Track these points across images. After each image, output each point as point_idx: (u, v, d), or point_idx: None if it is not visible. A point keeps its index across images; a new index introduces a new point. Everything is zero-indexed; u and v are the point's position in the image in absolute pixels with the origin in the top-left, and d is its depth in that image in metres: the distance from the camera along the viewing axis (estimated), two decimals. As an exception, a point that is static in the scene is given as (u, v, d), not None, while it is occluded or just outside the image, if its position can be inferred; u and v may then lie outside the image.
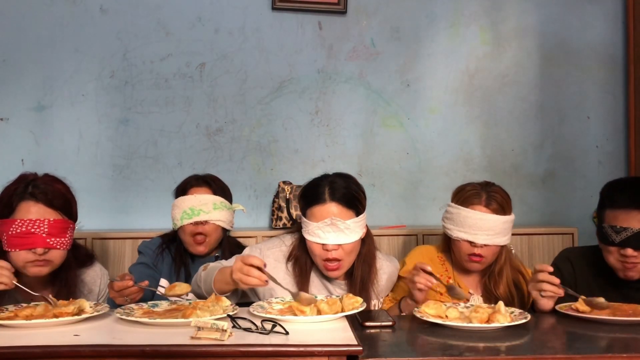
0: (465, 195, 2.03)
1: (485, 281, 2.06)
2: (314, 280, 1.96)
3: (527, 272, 2.11)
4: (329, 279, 1.97)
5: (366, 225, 1.98)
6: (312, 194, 1.92)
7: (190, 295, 1.92)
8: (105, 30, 3.00)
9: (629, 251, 1.85)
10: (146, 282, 1.81)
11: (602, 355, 1.40)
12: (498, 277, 2.03)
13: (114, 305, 1.88)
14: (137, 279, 2.09)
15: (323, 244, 1.86)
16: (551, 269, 1.85)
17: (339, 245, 1.86)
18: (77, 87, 2.98)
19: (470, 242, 1.97)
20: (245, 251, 2.02)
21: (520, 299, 2.04)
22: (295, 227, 2.01)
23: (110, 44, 3.01)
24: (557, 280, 1.82)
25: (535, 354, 1.39)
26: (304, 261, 1.94)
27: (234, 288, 1.79)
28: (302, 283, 1.92)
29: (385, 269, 2.05)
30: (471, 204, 1.99)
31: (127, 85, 3.01)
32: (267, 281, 1.68)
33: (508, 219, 1.99)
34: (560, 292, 1.82)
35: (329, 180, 1.93)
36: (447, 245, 2.10)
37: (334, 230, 1.85)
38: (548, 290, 1.82)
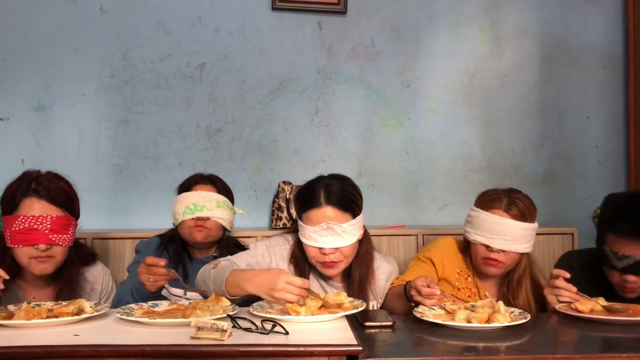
0: (486, 199, 2.01)
1: (504, 290, 2.03)
2: (312, 281, 1.95)
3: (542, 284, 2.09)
4: (327, 281, 1.97)
5: (364, 226, 1.97)
6: (307, 198, 1.90)
7: (190, 294, 1.92)
8: (105, 30, 3.00)
9: (631, 277, 1.86)
10: (175, 274, 1.81)
11: (602, 355, 1.40)
12: (517, 286, 2.01)
13: (126, 301, 1.88)
14: (135, 277, 2.09)
15: (320, 248, 1.85)
16: (568, 275, 1.84)
17: (336, 248, 1.85)
18: (77, 87, 2.98)
19: (487, 246, 1.95)
20: (251, 247, 2.01)
21: (539, 311, 1.99)
22: (295, 226, 2.00)
23: (110, 44, 3.01)
24: (574, 289, 1.81)
25: (535, 354, 1.39)
26: (302, 264, 1.94)
27: (246, 294, 1.74)
28: None
29: (383, 269, 2.04)
30: (491, 208, 1.97)
31: (127, 85, 3.01)
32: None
33: (529, 226, 1.96)
34: (578, 298, 1.81)
35: (324, 183, 1.91)
36: (467, 249, 2.08)
37: (330, 234, 1.83)
38: (565, 296, 1.81)
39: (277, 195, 2.96)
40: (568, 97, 3.29)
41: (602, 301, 1.80)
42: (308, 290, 1.67)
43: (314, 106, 3.14)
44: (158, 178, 3.02)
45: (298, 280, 1.61)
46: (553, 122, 3.29)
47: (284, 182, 2.96)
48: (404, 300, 1.84)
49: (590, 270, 2.02)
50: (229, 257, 1.95)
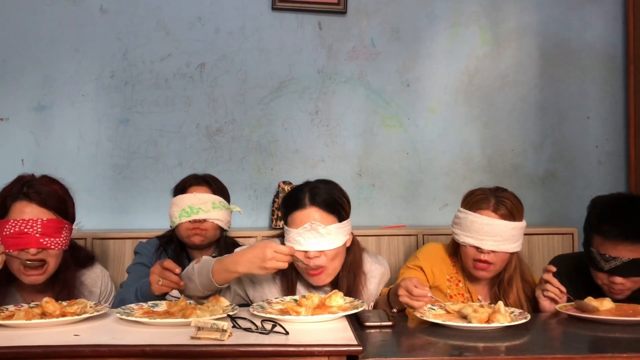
0: (473, 200, 1.99)
1: (495, 290, 2.02)
2: (300, 290, 1.92)
3: (534, 281, 2.08)
4: (315, 288, 1.93)
5: (352, 234, 1.94)
6: (292, 200, 1.88)
7: (175, 293, 1.91)
8: (105, 30, 3.00)
9: (618, 279, 1.86)
10: (183, 286, 1.80)
11: (602, 355, 1.40)
12: (508, 286, 1.99)
13: (119, 303, 1.88)
14: (136, 278, 2.09)
15: (305, 252, 1.81)
16: (554, 269, 1.85)
17: (321, 252, 1.81)
18: (77, 87, 2.98)
19: (477, 248, 1.93)
20: (237, 252, 2.00)
21: (530, 309, 1.97)
22: (282, 232, 1.99)
23: (110, 44, 3.01)
24: (560, 286, 1.82)
25: (535, 354, 1.39)
26: (289, 272, 1.89)
27: (237, 276, 1.78)
28: (288, 295, 1.89)
29: (375, 272, 2.00)
30: (479, 209, 1.95)
31: (127, 85, 3.01)
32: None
33: (517, 225, 1.95)
34: (562, 297, 1.83)
35: (310, 186, 1.90)
36: (456, 250, 2.05)
37: (314, 236, 1.80)
38: (550, 291, 1.82)
39: (277, 195, 2.96)
40: (568, 97, 3.29)
41: (608, 302, 1.80)
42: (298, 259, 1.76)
43: (314, 106, 3.14)
44: (158, 178, 3.02)
45: (285, 249, 1.71)
46: (553, 122, 3.29)
47: (284, 182, 2.96)
48: (387, 308, 1.83)
49: (579, 274, 2.02)
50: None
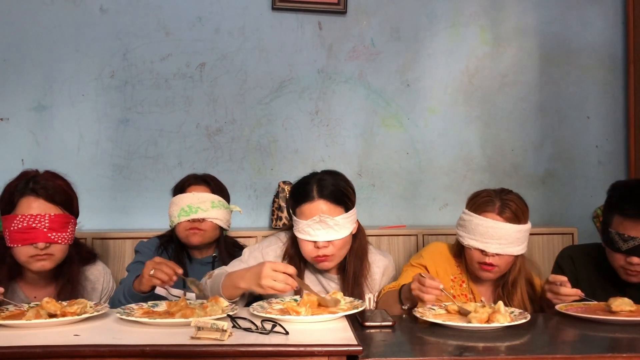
0: (478, 202, 1.98)
1: (499, 292, 2.02)
2: (308, 275, 2.00)
3: (537, 283, 2.08)
4: (323, 274, 2.01)
5: (357, 221, 2.00)
6: (300, 192, 1.94)
7: (189, 295, 1.93)
8: (105, 30, 3.00)
9: (635, 259, 1.88)
10: (180, 293, 1.81)
11: (602, 355, 1.40)
12: (512, 288, 1.99)
13: (116, 303, 1.88)
14: (134, 276, 2.10)
15: (314, 242, 1.88)
16: (565, 279, 1.85)
17: (329, 242, 1.88)
18: (77, 87, 2.98)
19: (482, 251, 1.93)
20: (245, 252, 2.03)
21: (534, 311, 1.98)
22: (290, 224, 2.04)
23: (110, 44, 3.01)
24: (581, 293, 1.83)
25: (535, 354, 1.39)
26: (297, 259, 1.97)
27: (243, 292, 1.81)
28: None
29: (379, 262, 2.06)
30: (484, 212, 1.94)
31: (127, 85, 3.01)
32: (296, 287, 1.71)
33: (522, 228, 1.94)
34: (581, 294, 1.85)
35: (317, 178, 1.95)
36: (460, 251, 2.05)
37: (323, 227, 1.87)
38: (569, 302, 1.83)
39: (277, 195, 2.96)
40: (568, 97, 3.29)
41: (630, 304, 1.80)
42: (302, 283, 1.73)
43: (314, 106, 3.14)
44: (158, 178, 3.02)
45: (281, 266, 1.69)
46: (553, 122, 3.29)
47: (284, 182, 2.96)
48: (396, 304, 1.84)
49: (590, 263, 2.06)
50: (223, 267, 1.99)
